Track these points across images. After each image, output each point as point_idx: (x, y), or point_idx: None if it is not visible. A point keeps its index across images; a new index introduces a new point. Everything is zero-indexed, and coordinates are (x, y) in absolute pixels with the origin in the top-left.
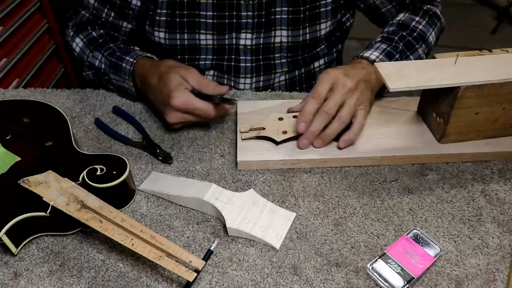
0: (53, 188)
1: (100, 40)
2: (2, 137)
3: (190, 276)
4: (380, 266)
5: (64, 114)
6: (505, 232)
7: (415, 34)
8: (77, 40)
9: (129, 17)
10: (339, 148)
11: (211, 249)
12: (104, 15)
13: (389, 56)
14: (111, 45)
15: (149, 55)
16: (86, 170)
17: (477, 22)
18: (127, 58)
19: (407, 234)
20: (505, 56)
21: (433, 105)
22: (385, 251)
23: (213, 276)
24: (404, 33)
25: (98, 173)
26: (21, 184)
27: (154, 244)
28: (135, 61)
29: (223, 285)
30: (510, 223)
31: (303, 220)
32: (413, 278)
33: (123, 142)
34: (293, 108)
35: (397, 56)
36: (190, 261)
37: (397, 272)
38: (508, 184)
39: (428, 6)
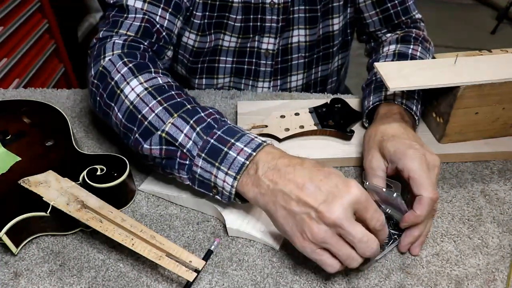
0: (53, 188)
1: (172, 92)
2: (2, 137)
3: (190, 276)
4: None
5: (64, 114)
6: (505, 232)
7: None
8: (134, 82)
9: (182, 13)
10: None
11: (211, 249)
12: (158, 18)
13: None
14: (202, 114)
15: (270, 143)
16: (86, 170)
17: (477, 22)
18: (239, 144)
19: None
20: (505, 56)
21: (433, 105)
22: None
23: (213, 276)
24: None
25: (98, 173)
26: (21, 184)
27: (154, 244)
28: (254, 153)
29: (223, 285)
30: (510, 223)
31: None
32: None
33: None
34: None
35: (415, 97)
36: (190, 261)
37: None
38: (508, 184)
39: (415, 31)
